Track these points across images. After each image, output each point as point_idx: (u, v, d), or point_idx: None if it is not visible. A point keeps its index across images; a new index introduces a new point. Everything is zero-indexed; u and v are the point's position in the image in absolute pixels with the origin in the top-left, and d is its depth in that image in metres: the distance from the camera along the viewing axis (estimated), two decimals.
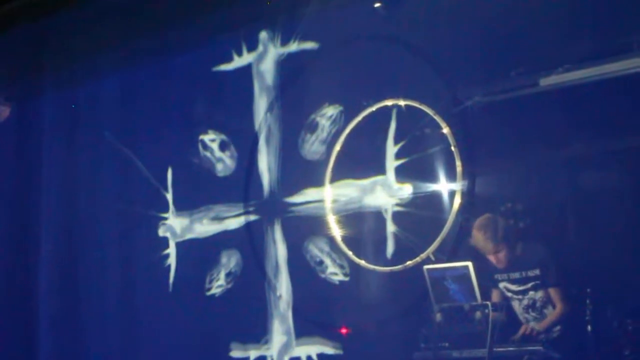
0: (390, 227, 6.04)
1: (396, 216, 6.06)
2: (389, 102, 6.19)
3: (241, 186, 6.91)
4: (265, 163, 6.83)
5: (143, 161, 7.27)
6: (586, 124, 5.46)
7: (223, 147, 7.10)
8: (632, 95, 5.33)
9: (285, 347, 6.47)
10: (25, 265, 7.60)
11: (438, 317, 5.53)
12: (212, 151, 7.13)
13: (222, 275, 6.89)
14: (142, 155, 7.30)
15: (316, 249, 6.44)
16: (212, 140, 7.13)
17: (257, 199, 6.82)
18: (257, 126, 6.86)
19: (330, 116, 6.49)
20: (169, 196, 7.20)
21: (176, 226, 7.17)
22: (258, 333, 6.59)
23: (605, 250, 5.32)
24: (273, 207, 6.73)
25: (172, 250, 7.14)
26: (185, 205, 7.16)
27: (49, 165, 7.61)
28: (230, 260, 6.89)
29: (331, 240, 6.38)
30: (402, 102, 6.13)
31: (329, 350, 6.28)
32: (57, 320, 7.45)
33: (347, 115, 6.42)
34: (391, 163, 6.09)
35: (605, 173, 5.53)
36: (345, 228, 6.32)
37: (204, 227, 7.04)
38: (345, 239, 6.30)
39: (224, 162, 7.08)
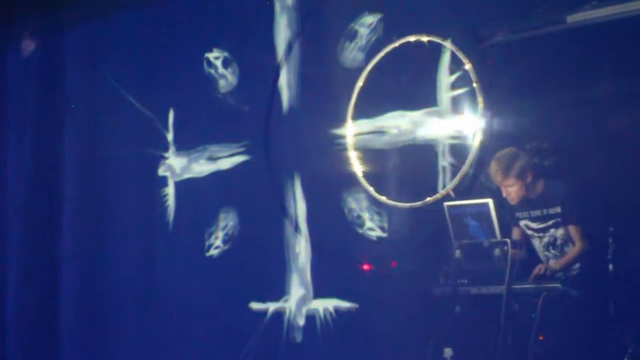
0: (442, 160, 5.97)
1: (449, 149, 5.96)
2: (411, 38, 6.13)
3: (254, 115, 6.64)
4: (285, 79, 6.49)
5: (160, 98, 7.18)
6: (614, 63, 5.40)
7: (226, 63, 6.79)
8: None
9: (303, 300, 6.40)
10: (47, 196, 7.69)
11: (457, 253, 5.57)
12: (215, 68, 6.83)
13: (220, 232, 6.75)
14: (157, 90, 7.23)
15: (354, 201, 6.22)
16: (217, 58, 6.83)
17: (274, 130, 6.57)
18: (277, 42, 6.56)
19: (370, 24, 6.20)
20: (169, 136, 7.06)
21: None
22: (277, 286, 6.52)
23: (629, 188, 5.31)
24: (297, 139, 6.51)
25: (170, 189, 7.05)
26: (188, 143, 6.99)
27: (73, 99, 7.60)
28: (228, 219, 6.74)
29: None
30: (424, 38, 6.06)
31: (345, 304, 6.20)
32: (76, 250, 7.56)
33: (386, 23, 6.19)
34: (444, 94, 5.93)
35: (631, 112, 5.49)
36: (370, 163, 6.22)
37: (202, 167, 6.89)
38: (366, 175, 6.21)
39: (226, 79, 6.80)
